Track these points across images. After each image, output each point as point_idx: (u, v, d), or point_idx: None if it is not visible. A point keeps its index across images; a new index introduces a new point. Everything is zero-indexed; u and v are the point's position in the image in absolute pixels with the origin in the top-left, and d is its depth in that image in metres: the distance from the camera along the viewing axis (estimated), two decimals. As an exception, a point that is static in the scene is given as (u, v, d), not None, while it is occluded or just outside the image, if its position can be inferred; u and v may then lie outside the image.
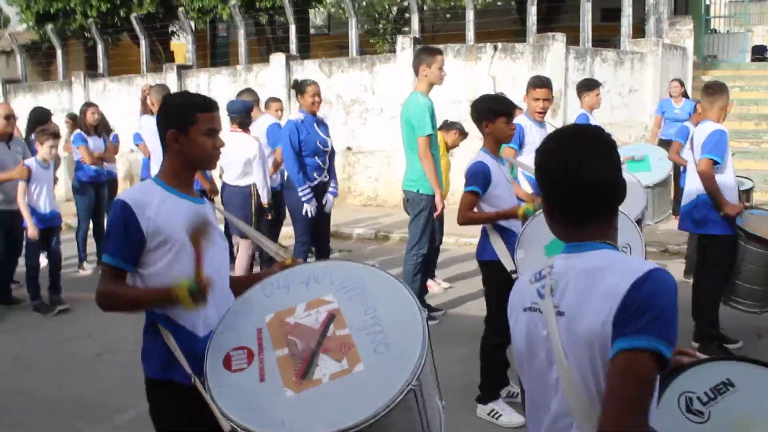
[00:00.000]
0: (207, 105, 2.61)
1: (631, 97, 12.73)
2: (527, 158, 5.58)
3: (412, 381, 2.07)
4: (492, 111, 4.37)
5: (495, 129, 4.39)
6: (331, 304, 2.37)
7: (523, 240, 4.23)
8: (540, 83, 5.79)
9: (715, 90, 5.40)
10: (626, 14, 13.33)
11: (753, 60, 18.39)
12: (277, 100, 9.00)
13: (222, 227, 5.16)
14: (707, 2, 19.16)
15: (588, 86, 7.41)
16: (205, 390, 2.27)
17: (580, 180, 1.71)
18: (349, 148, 13.01)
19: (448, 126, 7.43)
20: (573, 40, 12.32)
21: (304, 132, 6.64)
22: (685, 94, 10.91)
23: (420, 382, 2.10)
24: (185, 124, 2.56)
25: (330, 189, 7.01)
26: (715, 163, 5.21)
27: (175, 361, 2.48)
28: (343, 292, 2.40)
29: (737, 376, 1.86)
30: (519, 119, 5.57)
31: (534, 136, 5.75)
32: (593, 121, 7.16)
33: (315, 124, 6.78)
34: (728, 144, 5.33)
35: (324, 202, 6.92)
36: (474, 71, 11.99)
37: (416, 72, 6.07)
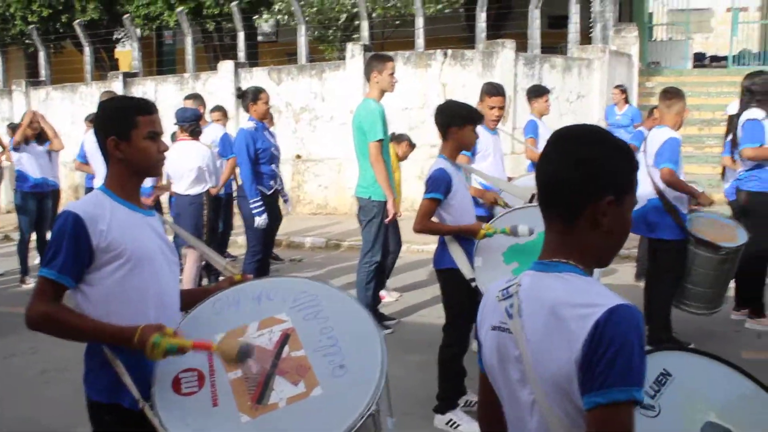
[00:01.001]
0: (146, 107, 2.48)
1: (578, 103, 12.88)
2: (479, 165, 5.57)
3: (371, 406, 2.00)
4: (463, 118, 4.34)
5: (462, 136, 4.35)
6: (285, 323, 2.28)
7: (480, 247, 4.20)
8: (495, 91, 5.79)
9: (673, 95, 5.46)
10: (573, 21, 13.50)
11: (694, 67, 18.84)
12: (220, 108, 8.82)
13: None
14: (650, 10, 19.57)
15: (537, 92, 7.48)
16: (153, 415, 2.15)
17: (542, 174, 1.66)
18: (298, 156, 12.89)
19: (397, 138, 7.41)
20: (521, 46, 12.42)
21: (260, 140, 6.54)
22: (627, 101, 11.08)
23: (378, 406, 2.03)
24: (126, 129, 2.42)
25: (283, 197, 7.10)
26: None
27: (122, 384, 2.33)
28: (296, 311, 2.31)
29: (670, 365, 1.87)
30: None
31: (487, 143, 5.75)
32: (543, 128, 7.22)
33: (265, 132, 6.71)
34: (680, 151, 5.41)
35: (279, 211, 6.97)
36: (424, 78, 11.99)
37: (368, 79, 6.03)
